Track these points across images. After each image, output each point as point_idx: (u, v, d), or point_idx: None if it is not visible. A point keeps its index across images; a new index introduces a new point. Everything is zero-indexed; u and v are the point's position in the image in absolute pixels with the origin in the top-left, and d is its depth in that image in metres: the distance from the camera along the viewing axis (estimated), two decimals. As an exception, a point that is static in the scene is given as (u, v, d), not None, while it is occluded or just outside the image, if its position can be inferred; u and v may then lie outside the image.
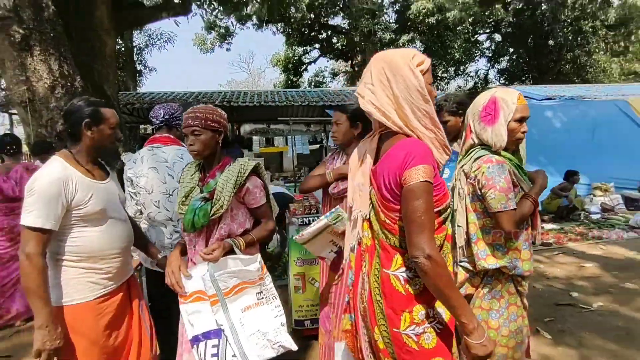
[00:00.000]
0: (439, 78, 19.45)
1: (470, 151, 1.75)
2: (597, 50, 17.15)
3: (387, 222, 1.27)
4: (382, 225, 1.29)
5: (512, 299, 1.68)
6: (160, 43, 16.24)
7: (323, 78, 22.64)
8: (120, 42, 14.39)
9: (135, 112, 9.79)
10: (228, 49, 17.20)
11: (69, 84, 4.45)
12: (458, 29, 13.83)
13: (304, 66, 20.75)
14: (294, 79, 20.55)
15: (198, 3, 7.28)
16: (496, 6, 14.86)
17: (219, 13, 13.89)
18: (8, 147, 3.51)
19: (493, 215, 1.61)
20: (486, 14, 15.04)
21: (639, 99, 9.00)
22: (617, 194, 7.16)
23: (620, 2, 17.37)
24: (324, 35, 18.74)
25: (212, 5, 7.84)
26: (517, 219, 1.61)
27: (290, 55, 19.96)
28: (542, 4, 17.40)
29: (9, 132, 8.20)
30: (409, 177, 1.17)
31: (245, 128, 13.73)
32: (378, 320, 1.30)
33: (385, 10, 15.07)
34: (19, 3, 3.92)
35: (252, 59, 65.99)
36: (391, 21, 15.15)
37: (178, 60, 68.41)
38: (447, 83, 21.81)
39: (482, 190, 1.62)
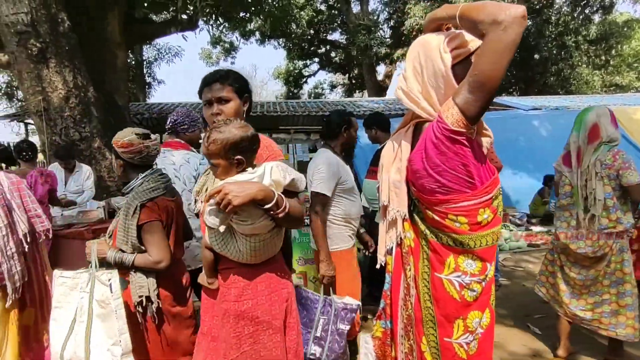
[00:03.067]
0: None
1: (598, 147, 2.23)
2: (580, 64, 17.26)
3: (437, 218, 1.11)
4: (431, 224, 1.14)
5: (629, 250, 2.26)
6: (169, 57, 16.34)
7: (322, 90, 22.77)
8: (131, 55, 14.48)
9: (144, 122, 9.84)
10: (232, 63, 17.36)
11: (82, 94, 4.47)
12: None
13: (304, 79, 20.87)
14: (295, 91, 20.66)
15: (205, 19, 7.34)
16: (485, 22, 15.07)
17: (225, 29, 14.01)
18: (24, 153, 3.51)
19: (630, 187, 2.15)
20: (475, 29, 15.21)
21: (620, 109, 9.05)
22: (601, 198, 7.17)
23: (600, 19, 17.56)
24: (323, 49, 18.89)
25: (218, 21, 7.90)
26: None
27: (291, 68, 20.09)
28: (528, 20, 17.56)
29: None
30: (445, 109, 1.05)
31: (249, 137, 13.73)
32: (427, 330, 1.16)
33: (380, 26, 15.22)
34: (37, 18, 3.96)
35: (255, 72, 66.45)
36: (386, 36, 15.28)
37: (185, 73, 68.72)
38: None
39: (620, 171, 2.15)
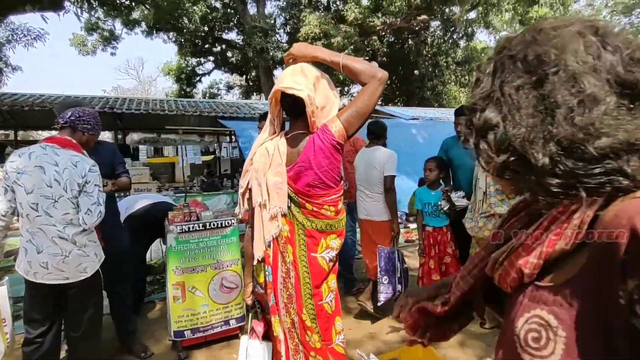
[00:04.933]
0: (348, 80, 20.43)
1: None
2: (449, 82, 20.02)
3: (315, 209, 1.43)
4: (309, 214, 1.44)
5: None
6: (28, 40, 13.81)
7: (218, 90, 21.94)
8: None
9: (-11, 115, 8.13)
10: (113, 54, 15.49)
11: None
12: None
13: (198, 77, 19.82)
14: (188, 90, 19.47)
15: (72, 0, 6.40)
16: (373, 37, 16.33)
17: (101, 14, 12.48)
18: None
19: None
20: (365, 43, 16.37)
21: (478, 122, 10.76)
22: (464, 197, 8.37)
23: (465, 44, 20.64)
24: (219, 48, 18.21)
25: (91, 5, 6.97)
26: None
27: (183, 65, 18.88)
28: (409, 40, 19.67)
29: None
30: (330, 124, 1.42)
31: (133, 137, 12.48)
32: (305, 301, 1.44)
33: (277, 30, 15.33)
34: None
35: (142, 67, 60.70)
36: (283, 41, 15.47)
37: (52, 61, 59.40)
38: (344, 77, 23.04)
39: None
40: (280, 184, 1.44)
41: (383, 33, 17.55)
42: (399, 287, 2.95)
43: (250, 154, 1.59)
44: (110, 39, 14.99)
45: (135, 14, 14.27)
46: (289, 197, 1.45)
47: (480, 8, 16.27)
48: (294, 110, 1.48)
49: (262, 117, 3.41)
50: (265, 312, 1.62)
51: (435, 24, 20.10)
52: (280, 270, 1.46)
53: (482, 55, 20.65)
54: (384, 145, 3.34)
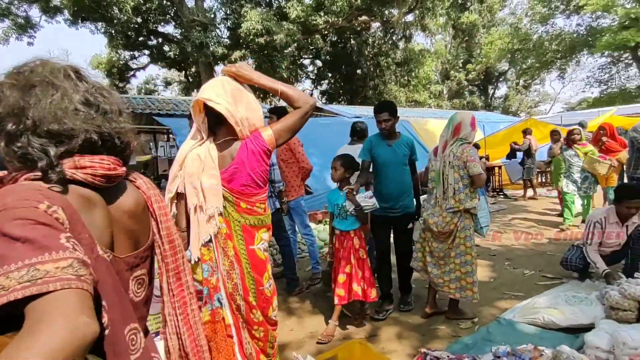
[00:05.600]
0: (270, 95, 20.23)
1: (455, 141, 2.80)
2: (390, 82, 20.76)
3: (248, 207, 1.62)
4: (243, 212, 1.61)
5: (472, 228, 2.87)
6: None
7: (155, 86, 20.78)
8: None
9: None
10: (30, 44, 13.95)
11: None
12: (285, 51, 14.64)
13: (132, 72, 18.61)
14: (120, 85, 18.18)
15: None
16: (316, 36, 16.44)
17: (14, -1, 11.23)
18: None
19: (473, 176, 2.72)
20: (308, 41, 16.44)
21: (417, 120, 11.26)
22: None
23: (404, 46, 21.54)
24: (155, 42, 17.20)
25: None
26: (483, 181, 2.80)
27: (115, 58, 17.59)
28: (351, 39, 20.08)
29: None
30: (263, 131, 1.64)
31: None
32: (250, 288, 1.64)
33: (217, 25, 14.81)
34: None
35: (67, 59, 55.30)
36: (223, 36, 14.99)
37: (-41, 51, 52.40)
38: (279, 99, 22.89)
39: (467, 163, 2.70)
40: (215, 186, 1.58)
41: (326, 32, 17.74)
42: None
43: (178, 160, 1.67)
44: (26, 26, 13.49)
45: (56, 0, 13.01)
46: (224, 197, 1.60)
47: (417, 11, 17.03)
48: (216, 119, 1.62)
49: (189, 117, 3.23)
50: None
51: (376, 25, 20.73)
52: (222, 263, 1.62)
53: (420, 57, 21.72)
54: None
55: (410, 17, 20.45)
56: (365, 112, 13.64)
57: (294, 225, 4.08)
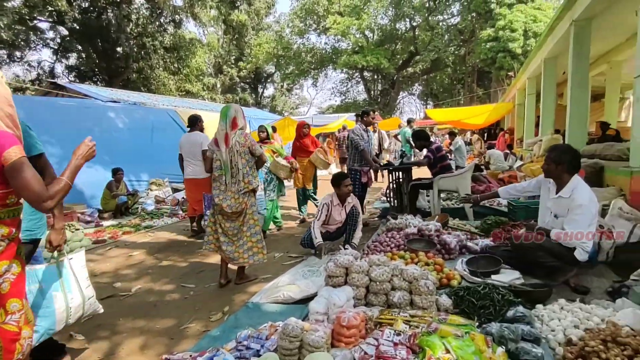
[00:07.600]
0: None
1: (236, 132, 3.26)
2: (158, 67, 19.14)
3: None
4: None
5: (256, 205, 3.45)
6: None
7: None
8: None
9: None
10: None
11: None
12: (4, 3, 11.01)
13: None
14: None
15: None
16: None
17: None
18: None
19: (258, 156, 3.32)
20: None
21: (184, 110, 10.78)
22: (169, 187, 8.18)
23: (173, 31, 20.27)
24: None
25: None
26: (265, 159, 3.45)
27: None
28: (108, 11, 17.28)
29: None
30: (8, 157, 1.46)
31: None
32: None
33: None
34: None
35: None
36: None
37: None
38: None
39: (250, 147, 3.26)
40: None
41: (72, -7, 14.52)
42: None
43: None
44: None
45: None
46: None
47: (185, -3, 16.31)
48: None
49: None
50: None
51: (140, 1, 18.60)
52: None
53: (191, 46, 20.98)
54: (201, 130, 5.17)
55: (179, 2, 19.42)
56: (125, 97, 11.98)
57: None
